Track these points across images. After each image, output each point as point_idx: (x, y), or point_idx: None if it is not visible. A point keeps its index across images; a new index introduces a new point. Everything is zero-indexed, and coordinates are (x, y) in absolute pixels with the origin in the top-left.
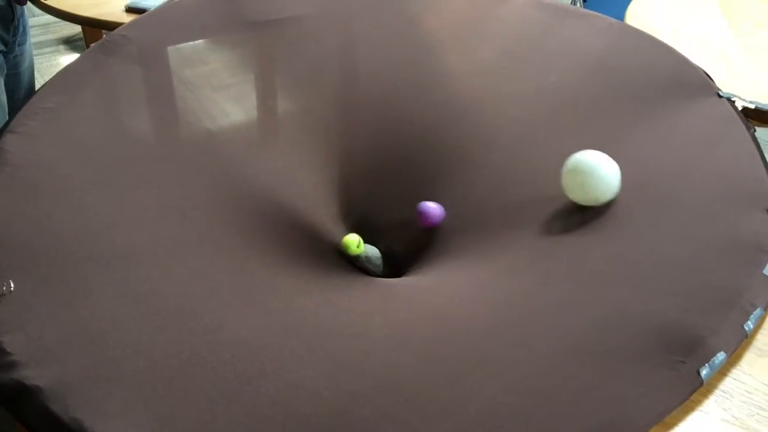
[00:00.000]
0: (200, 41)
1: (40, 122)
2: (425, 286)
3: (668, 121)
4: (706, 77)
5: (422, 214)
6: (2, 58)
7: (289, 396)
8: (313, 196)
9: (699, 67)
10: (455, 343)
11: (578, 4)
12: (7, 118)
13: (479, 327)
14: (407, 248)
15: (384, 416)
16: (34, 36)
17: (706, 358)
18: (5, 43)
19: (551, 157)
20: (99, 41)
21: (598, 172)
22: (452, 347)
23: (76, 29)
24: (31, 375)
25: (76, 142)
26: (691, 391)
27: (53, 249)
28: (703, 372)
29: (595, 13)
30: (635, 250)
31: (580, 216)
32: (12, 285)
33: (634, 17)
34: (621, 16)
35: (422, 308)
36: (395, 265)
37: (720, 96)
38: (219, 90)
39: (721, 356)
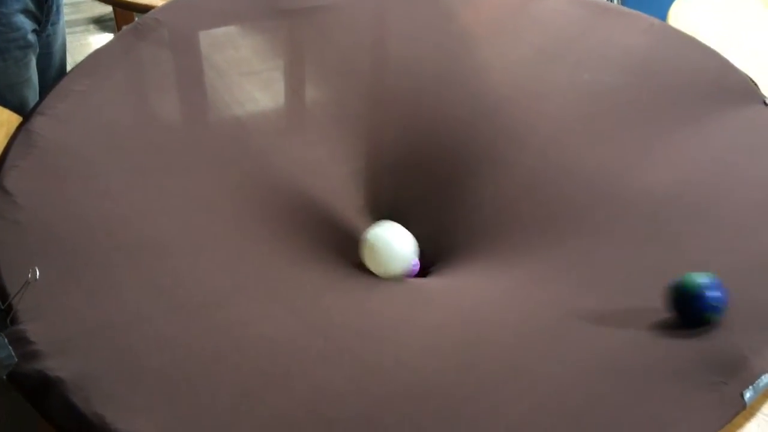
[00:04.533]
0: (232, 27)
1: (69, 105)
2: (453, 289)
3: (710, 128)
4: (752, 84)
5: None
6: (35, 36)
7: (315, 398)
8: (341, 190)
9: (744, 73)
10: (484, 352)
11: (616, 2)
12: (38, 98)
13: (509, 336)
14: (433, 246)
15: (412, 426)
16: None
17: (750, 380)
18: (38, 22)
19: (585, 159)
20: (131, 24)
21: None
22: (481, 357)
23: (107, 9)
24: (54, 366)
25: (106, 127)
26: (734, 414)
27: (80, 236)
28: (747, 395)
29: (636, 12)
30: (671, 261)
31: (613, 224)
32: (38, 273)
33: (676, 18)
34: (663, 16)
35: (451, 313)
36: (420, 262)
37: (766, 104)
38: (248, 76)
39: (765, 378)
